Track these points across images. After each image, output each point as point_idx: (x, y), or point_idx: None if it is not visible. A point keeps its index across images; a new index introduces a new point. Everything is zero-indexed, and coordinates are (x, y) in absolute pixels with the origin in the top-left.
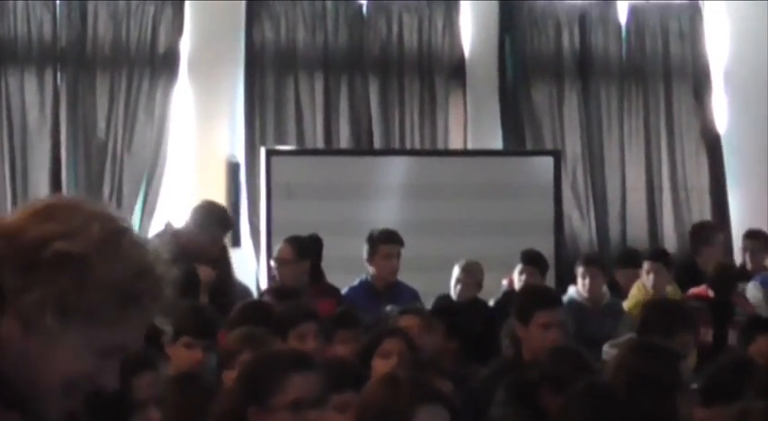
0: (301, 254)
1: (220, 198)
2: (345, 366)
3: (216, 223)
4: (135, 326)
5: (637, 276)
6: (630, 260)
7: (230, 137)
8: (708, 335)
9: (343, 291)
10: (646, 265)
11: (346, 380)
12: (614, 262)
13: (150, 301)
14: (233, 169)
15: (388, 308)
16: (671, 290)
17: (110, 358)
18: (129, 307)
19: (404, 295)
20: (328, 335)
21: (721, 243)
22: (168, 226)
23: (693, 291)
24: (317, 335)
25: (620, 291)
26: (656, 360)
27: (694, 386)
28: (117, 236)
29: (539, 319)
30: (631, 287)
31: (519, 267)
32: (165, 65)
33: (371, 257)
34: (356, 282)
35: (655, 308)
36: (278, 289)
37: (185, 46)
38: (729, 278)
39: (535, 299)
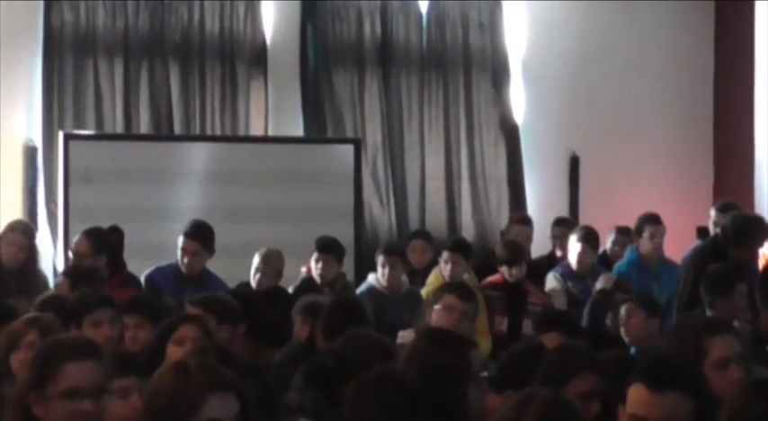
0: (99, 247)
1: (17, 182)
2: (126, 352)
3: None
4: None
5: None
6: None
7: (28, 120)
8: (503, 323)
9: (149, 270)
10: (444, 255)
11: (127, 366)
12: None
13: None
14: (30, 153)
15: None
16: (468, 278)
17: None
18: None
19: (211, 286)
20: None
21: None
22: None
23: (489, 279)
24: (113, 321)
25: None
26: (446, 348)
27: (485, 374)
28: None
29: (444, 302)
30: None
31: (315, 255)
32: None
33: None
34: (164, 264)
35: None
36: (73, 271)
37: None
38: (521, 255)
39: (442, 287)
